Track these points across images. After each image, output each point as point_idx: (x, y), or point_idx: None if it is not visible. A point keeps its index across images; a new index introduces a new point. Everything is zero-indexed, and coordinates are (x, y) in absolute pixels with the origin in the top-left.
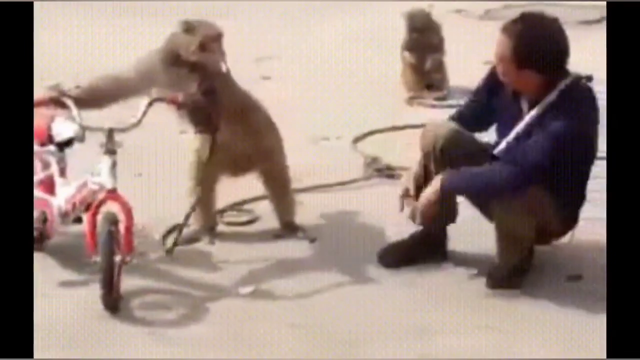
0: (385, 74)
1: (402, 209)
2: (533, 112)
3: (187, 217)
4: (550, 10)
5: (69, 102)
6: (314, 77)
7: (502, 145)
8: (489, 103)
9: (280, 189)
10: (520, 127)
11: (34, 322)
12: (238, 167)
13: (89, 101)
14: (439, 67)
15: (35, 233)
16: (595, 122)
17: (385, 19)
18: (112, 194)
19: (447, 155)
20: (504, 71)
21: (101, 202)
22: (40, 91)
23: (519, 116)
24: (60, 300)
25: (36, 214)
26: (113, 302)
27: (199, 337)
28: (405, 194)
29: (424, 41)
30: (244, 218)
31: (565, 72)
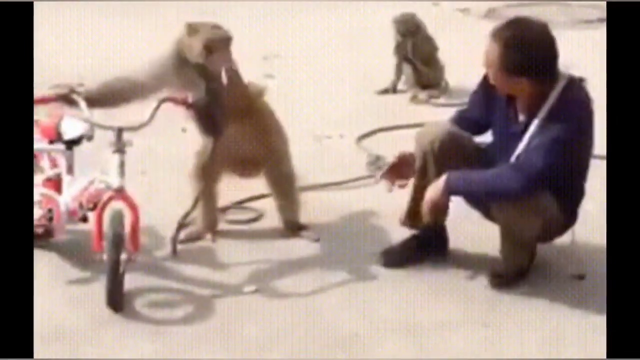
0: (389, 72)
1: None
2: (537, 121)
3: (186, 215)
4: (549, 9)
5: (80, 100)
6: (316, 75)
7: (513, 158)
8: (485, 105)
9: (285, 189)
10: (526, 137)
11: (38, 320)
12: (244, 168)
13: (100, 100)
14: (434, 65)
15: (41, 230)
16: (593, 122)
17: (389, 17)
18: (120, 192)
19: (444, 155)
20: (494, 77)
21: (108, 201)
22: (40, 91)
23: (514, 118)
24: (65, 298)
25: (43, 211)
26: (118, 300)
27: (202, 336)
28: (386, 175)
29: (417, 46)
30: (248, 216)
31: (556, 75)
